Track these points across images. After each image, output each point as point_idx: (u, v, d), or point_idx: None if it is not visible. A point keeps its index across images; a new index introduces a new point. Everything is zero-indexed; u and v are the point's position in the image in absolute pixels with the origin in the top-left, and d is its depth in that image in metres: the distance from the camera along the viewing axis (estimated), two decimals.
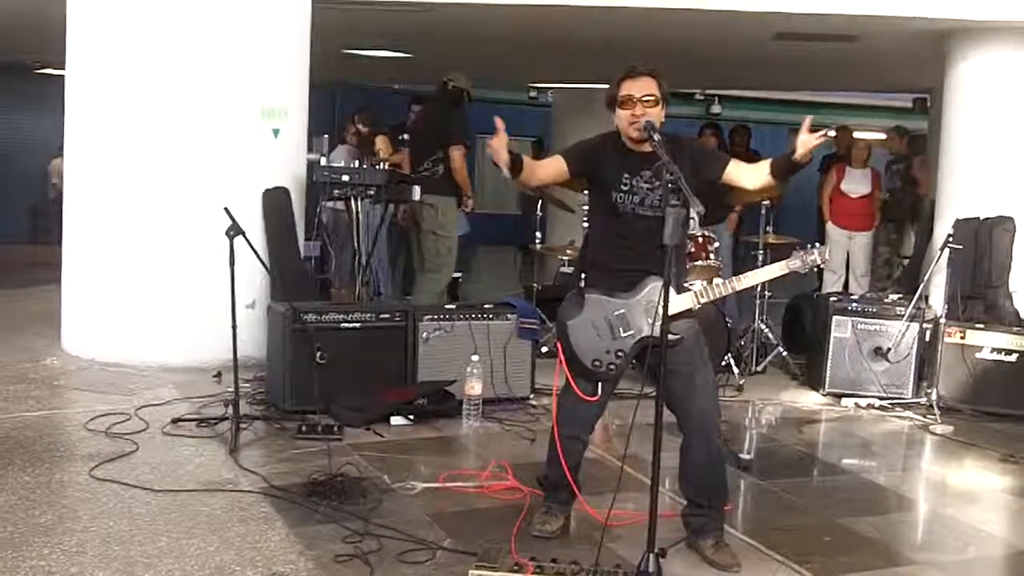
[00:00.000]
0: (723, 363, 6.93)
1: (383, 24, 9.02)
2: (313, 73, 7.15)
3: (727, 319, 7.14)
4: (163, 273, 6.63)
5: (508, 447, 5.37)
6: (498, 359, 6.06)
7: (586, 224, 4.82)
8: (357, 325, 5.81)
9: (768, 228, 7.70)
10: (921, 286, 7.00)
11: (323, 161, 7.39)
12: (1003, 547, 4.49)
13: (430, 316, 6.01)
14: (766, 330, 7.61)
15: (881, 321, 6.82)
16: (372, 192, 7.07)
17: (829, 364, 6.86)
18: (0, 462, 4.65)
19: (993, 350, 6.65)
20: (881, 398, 6.73)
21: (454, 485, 4.65)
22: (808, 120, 3.88)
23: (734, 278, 4.04)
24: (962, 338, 6.68)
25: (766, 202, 7.57)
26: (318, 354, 5.43)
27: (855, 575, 3.93)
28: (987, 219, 7.43)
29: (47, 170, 13.72)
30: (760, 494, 4.94)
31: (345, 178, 6.97)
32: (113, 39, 6.73)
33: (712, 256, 7.00)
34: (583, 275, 4.07)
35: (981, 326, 6.78)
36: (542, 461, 4.29)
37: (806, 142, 3.80)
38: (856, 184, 9.59)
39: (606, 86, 4.01)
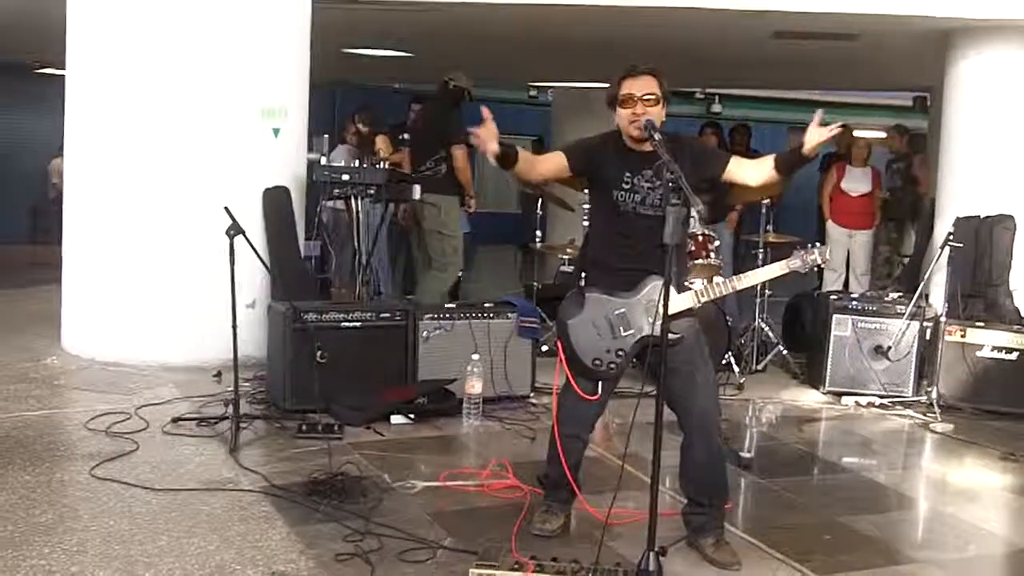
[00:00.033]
0: (723, 361, 6.93)
1: (383, 23, 9.02)
2: (313, 73, 7.16)
3: (727, 317, 7.14)
4: (163, 272, 6.63)
5: (508, 446, 5.37)
6: (498, 358, 6.06)
7: (586, 223, 4.83)
8: (357, 324, 5.81)
9: (768, 227, 7.70)
10: (921, 284, 7.00)
11: (323, 160, 7.40)
12: (1003, 545, 4.49)
13: (430, 315, 6.01)
14: (766, 329, 7.61)
15: (881, 319, 6.83)
16: (372, 191, 7.07)
17: (829, 362, 6.87)
18: (0, 461, 4.65)
19: (993, 348, 6.66)
20: (881, 396, 6.73)
21: (454, 484, 4.66)
22: (819, 114, 3.86)
23: (734, 277, 4.04)
24: (962, 336, 6.68)
25: (766, 201, 7.57)
26: (318, 353, 5.43)
27: (855, 573, 3.93)
28: (987, 217, 7.43)
29: (47, 170, 13.72)
30: (760, 492, 4.94)
31: (345, 177, 6.97)
32: (113, 39, 6.73)
33: (713, 255, 7.00)
34: (583, 274, 4.06)
35: (981, 324, 6.78)
36: (542, 460, 4.29)
37: (818, 135, 3.79)
38: (856, 183, 9.59)
39: (606, 85, 4.01)
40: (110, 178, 6.76)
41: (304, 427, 5.29)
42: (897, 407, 6.64)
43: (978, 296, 7.35)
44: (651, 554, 3.41)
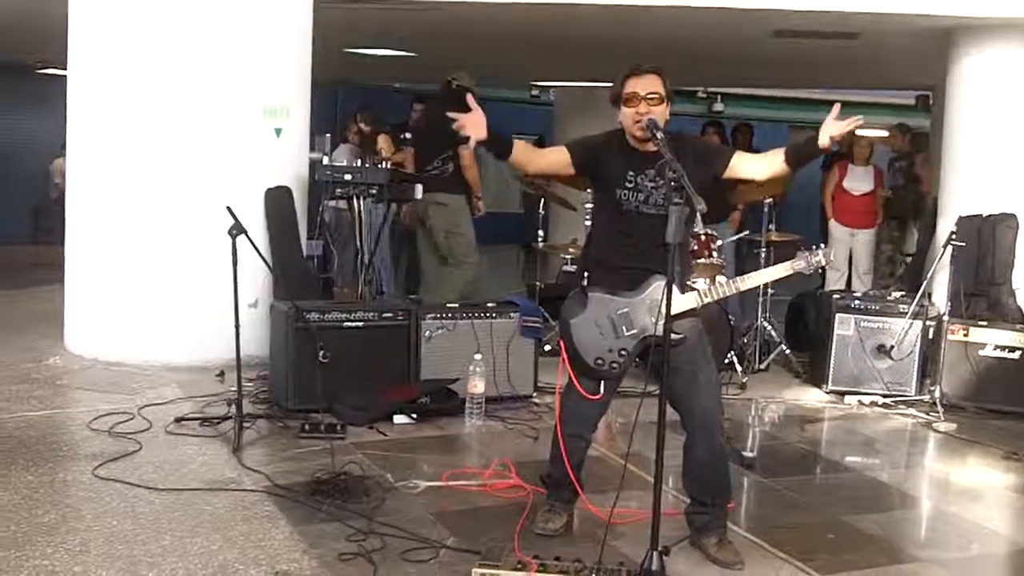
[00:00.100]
0: (726, 361, 6.93)
1: (385, 23, 9.02)
2: (315, 72, 7.15)
3: (730, 317, 7.14)
4: (166, 272, 6.63)
5: (511, 445, 5.37)
6: (501, 357, 6.06)
7: (588, 222, 4.82)
8: (360, 324, 5.81)
9: (771, 226, 7.69)
10: (924, 283, 7.00)
11: (325, 160, 7.40)
12: (1006, 544, 4.49)
13: (432, 315, 6.01)
14: (769, 328, 7.61)
15: (884, 318, 6.82)
16: (374, 191, 7.07)
17: (832, 362, 6.86)
18: (3, 461, 4.66)
19: (996, 347, 6.65)
20: (884, 395, 6.73)
21: (457, 483, 4.65)
22: (837, 107, 3.85)
23: (738, 278, 4.04)
24: (965, 335, 6.67)
25: (769, 200, 7.57)
26: (321, 353, 5.43)
27: (858, 572, 3.93)
28: (990, 216, 7.42)
29: (49, 170, 13.73)
30: (763, 492, 4.94)
31: (347, 177, 6.97)
32: (115, 39, 6.73)
33: (715, 254, 7.00)
34: (586, 273, 4.05)
35: (984, 323, 6.78)
36: (545, 459, 4.29)
37: (835, 128, 3.77)
38: (858, 181, 9.59)
39: (608, 84, 4.01)
40: (112, 178, 6.76)
41: (307, 427, 5.29)
42: (900, 406, 6.63)
43: (981, 295, 7.34)
44: (654, 553, 3.41)
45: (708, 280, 6.51)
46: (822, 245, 4.00)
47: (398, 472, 4.75)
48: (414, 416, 5.67)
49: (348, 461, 4.76)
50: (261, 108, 6.76)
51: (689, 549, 3.96)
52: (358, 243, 7.69)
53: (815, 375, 7.14)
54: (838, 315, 6.86)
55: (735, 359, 7.04)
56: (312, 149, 7.37)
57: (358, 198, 7.30)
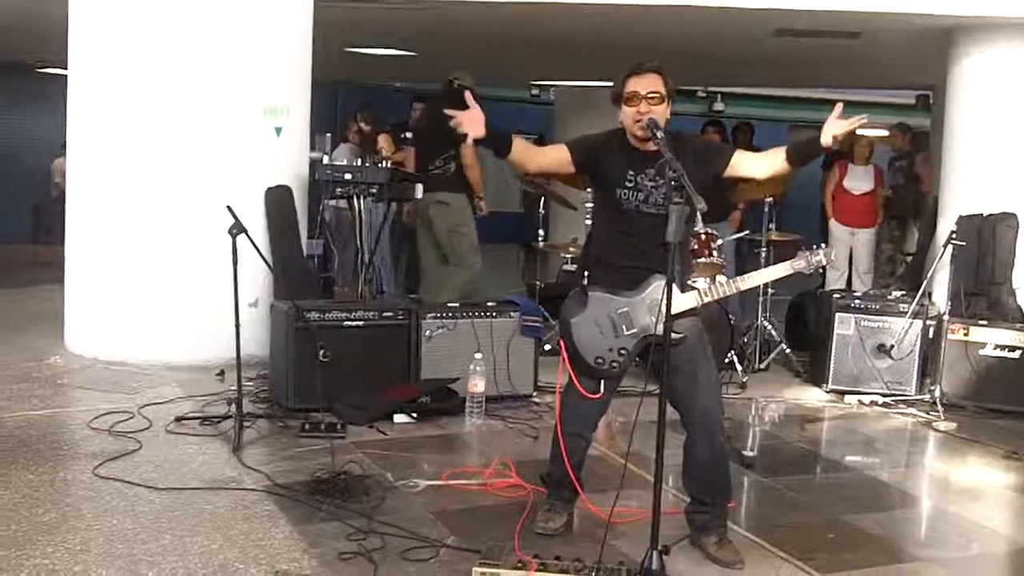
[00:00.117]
0: (726, 360, 6.92)
1: (385, 22, 9.02)
2: (315, 71, 7.15)
3: (730, 316, 7.13)
4: (166, 271, 6.63)
5: (511, 445, 5.37)
6: (501, 357, 6.06)
7: (589, 221, 4.82)
8: (360, 323, 5.81)
9: (771, 225, 7.69)
10: (924, 283, 7.00)
11: (325, 159, 7.40)
12: (1007, 543, 4.49)
13: (433, 314, 6.01)
14: (769, 327, 7.61)
15: (884, 318, 6.82)
16: (374, 190, 7.07)
17: (832, 361, 6.86)
18: (4, 460, 4.66)
19: (996, 347, 6.65)
20: (884, 395, 6.73)
21: (457, 483, 4.66)
22: (839, 106, 3.85)
23: (738, 278, 4.04)
24: (965, 335, 6.67)
25: (769, 199, 7.57)
26: (321, 352, 5.43)
27: (858, 572, 3.93)
28: (990, 215, 7.42)
29: (49, 169, 13.73)
30: (763, 491, 4.94)
31: (347, 176, 6.97)
32: (115, 38, 6.73)
33: (715, 253, 7.00)
34: (586, 273, 4.05)
35: (984, 323, 6.77)
36: (545, 459, 4.29)
37: (838, 127, 3.77)
38: (859, 181, 9.59)
39: (608, 84, 4.00)
40: (112, 177, 6.76)
41: (307, 426, 5.29)
42: (900, 405, 6.63)
43: (981, 294, 7.34)
44: (654, 553, 3.41)
45: (708, 279, 6.51)
46: (823, 245, 4.00)
47: (398, 471, 4.75)
48: (414, 415, 5.67)
49: (348, 460, 4.76)
50: (261, 107, 6.76)
51: (689, 548, 3.96)
52: (358, 242, 7.69)
53: (815, 374, 7.14)
54: (838, 314, 6.86)
55: (735, 358, 7.04)
56: (312, 148, 7.37)
57: (358, 197, 7.29)
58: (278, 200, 6.86)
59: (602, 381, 3.96)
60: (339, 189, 7.02)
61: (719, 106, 17.87)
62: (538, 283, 8.58)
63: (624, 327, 3.88)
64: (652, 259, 3.78)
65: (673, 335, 3.60)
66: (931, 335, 6.88)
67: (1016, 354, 6.62)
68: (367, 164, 7.20)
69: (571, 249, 8.58)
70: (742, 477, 4.97)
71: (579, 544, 3.94)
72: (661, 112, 3.84)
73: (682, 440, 4.00)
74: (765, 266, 6.49)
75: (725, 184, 4.18)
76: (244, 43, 6.70)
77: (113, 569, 3.56)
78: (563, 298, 4.06)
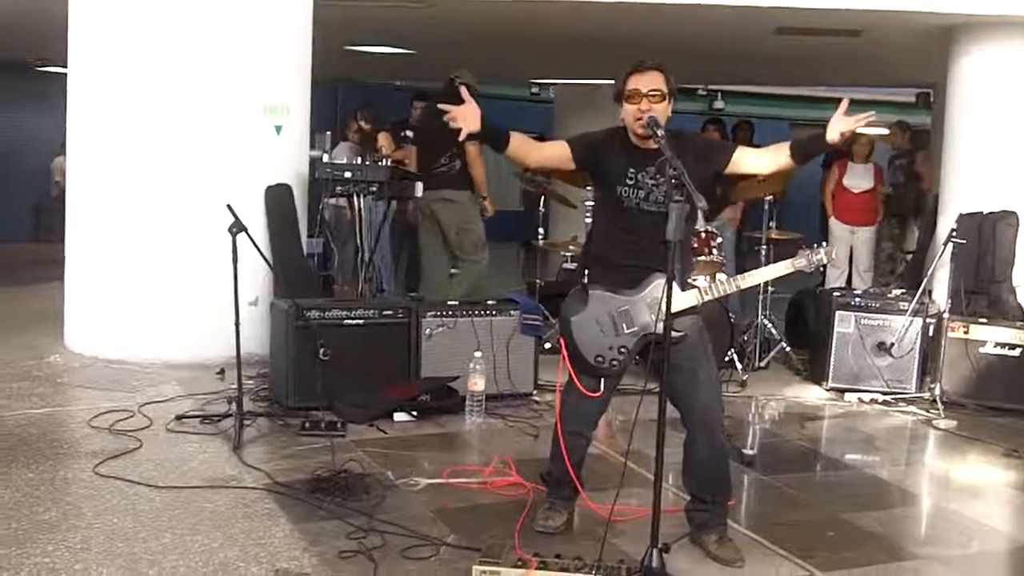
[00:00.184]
0: (726, 358, 6.93)
1: (385, 20, 9.01)
2: (315, 70, 7.15)
3: (730, 314, 7.13)
4: (166, 270, 6.63)
5: (511, 443, 5.37)
6: (501, 355, 6.06)
7: (589, 220, 4.82)
8: (360, 322, 5.81)
9: (771, 223, 7.69)
10: (924, 281, 7.00)
11: (325, 158, 7.39)
12: (1007, 542, 4.49)
13: (433, 312, 6.01)
14: (769, 325, 7.61)
15: (884, 316, 6.82)
16: (374, 189, 7.06)
17: (832, 359, 6.86)
18: (4, 459, 4.66)
19: (997, 345, 6.65)
20: (884, 393, 6.73)
21: (457, 481, 4.66)
22: (845, 102, 3.84)
23: (738, 276, 4.03)
24: (965, 333, 6.67)
25: (769, 197, 7.57)
26: (321, 351, 5.43)
27: (859, 570, 3.93)
28: (990, 214, 7.42)
29: (50, 168, 13.73)
30: (763, 489, 4.94)
31: (347, 175, 6.96)
32: (115, 37, 6.73)
33: (715, 252, 7.00)
34: (587, 271, 4.05)
35: (984, 321, 6.78)
36: (545, 457, 4.29)
37: (843, 124, 3.77)
38: (858, 179, 9.59)
39: (608, 82, 4.00)
40: (112, 176, 6.76)
41: (307, 424, 5.29)
42: (900, 404, 6.63)
43: (981, 292, 7.33)
44: (654, 551, 3.41)
45: (708, 278, 6.52)
46: (824, 243, 3.99)
47: (398, 470, 4.75)
48: (414, 414, 5.67)
49: (348, 459, 4.76)
50: (261, 106, 6.76)
51: (689, 546, 3.96)
52: (358, 241, 7.69)
53: (815, 372, 7.14)
54: (838, 312, 6.86)
55: (735, 357, 7.04)
56: (312, 147, 7.37)
57: (358, 196, 7.29)
58: (278, 198, 6.86)
59: (602, 379, 3.96)
60: (339, 187, 7.02)
61: (719, 104, 17.85)
62: (538, 281, 8.58)
63: (624, 325, 3.88)
64: (652, 257, 3.77)
65: (673, 333, 3.60)
66: (931, 333, 6.88)
67: (1016, 352, 6.62)
68: (367, 162, 7.19)
69: (571, 247, 8.58)
70: (742, 475, 4.97)
71: (579, 542, 3.94)
72: (662, 110, 3.84)
73: (682, 438, 3.99)
74: (765, 264, 6.50)
75: (726, 181, 4.19)
76: (244, 42, 6.70)
77: (114, 568, 3.56)
78: (563, 296, 4.06)
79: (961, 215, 7.31)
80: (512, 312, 6.16)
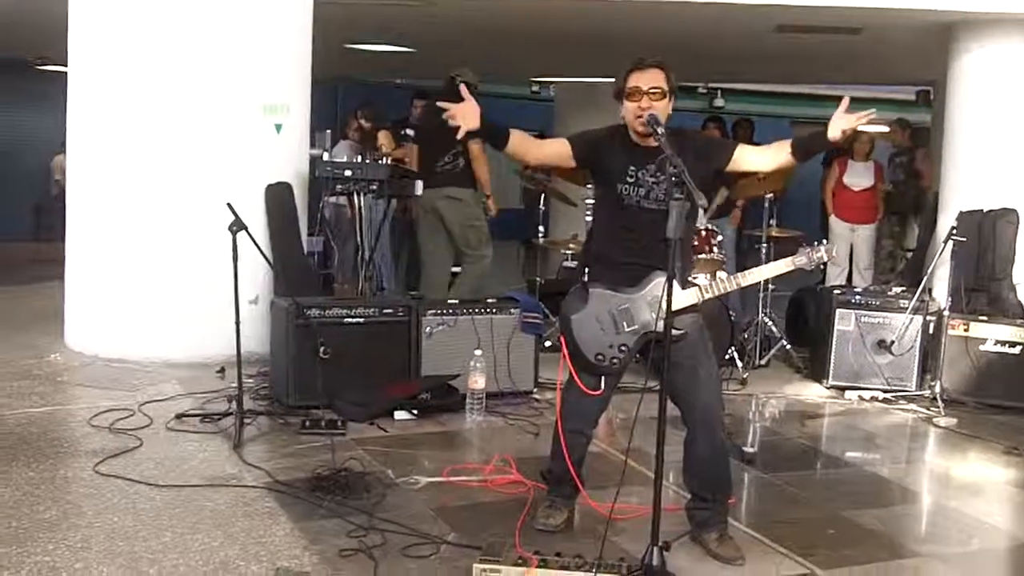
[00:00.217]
0: (727, 356, 6.92)
1: (385, 19, 9.01)
2: (315, 68, 7.15)
3: (730, 312, 7.14)
4: (166, 269, 6.63)
5: (512, 441, 5.37)
6: (501, 353, 6.06)
7: (589, 218, 4.82)
8: (360, 320, 5.81)
9: (772, 221, 7.69)
10: (925, 279, 7.00)
11: (325, 156, 7.39)
12: (1007, 539, 4.49)
13: (433, 311, 6.01)
14: (770, 323, 7.61)
15: (885, 314, 6.82)
16: (374, 187, 7.06)
17: (833, 357, 6.86)
18: (4, 458, 4.66)
19: (997, 342, 6.65)
20: (885, 391, 6.73)
21: (458, 479, 4.66)
22: (846, 100, 3.84)
23: (739, 274, 4.03)
24: (966, 330, 6.67)
25: (769, 195, 7.57)
26: (321, 349, 5.43)
27: (859, 568, 3.93)
28: (991, 211, 7.42)
29: (50, 167, 13.73)
30: (764, 487, 4.94)
31: (348, 173, 6.96)
32: (115, 35, 6.73)
33: (716, 249, 7.00)
34: (587, 269, 4.05)
35: (985, 318, 6.78)
36: (546, 455, 4.29)
37: (845, 122, 3.77)
38: (859, 177, 9.59)
39: (608, 80, 4.00)
40: (113, 175, 6.76)
41: (307, 423, 5.29)
42: (900, 401, 6.63)
43: (981, 290, 7.33)
44: (655, 549, 3.41)
45: (709, 276, 6.51)
46: (824, 241, 3.99)
47: (399, 468, 4.75)
48: (415, 412, 5.67)
49: (349, 457, 4.76)
50: (261, 104, 6.76)
51: (690, 544, 3.96)
52: (358, 239, 7.69)
53: (815, 370, 7.14)
54: (839, 310, 6.85)
55: (736, 355, 7.04)
56: (312, 145, 7.36)
57: (358, 194, 7.29)
58: (278, 197, 6.86)
59: (603, 377, 3.96)
60: (339, 186, 7.01)
61: (719, 102, 17.87)
62: (538, 279, 8.58)
63: (625, 323, 3.88)
64: (653, 255, 3.77)
65: (674, 331, 3.60)
66: (931, 331, 6.88)
67: (1016, 350, 6.62)
68: (367, 161, 7.19)
69: (571, 245, 8.58)
70: (742, 473, 4.97)
71: (580, 540, 3.94)
72: (663, 107, 3.83)
73: (683, 436, 3.99)
74: (766, 262, 6.50)
75: (727, 179, 4.19)
76: (244, 40, 6.70)
77: (114, 566, 3.56)
78: (563, 294, 4.06)
79: (961, 213, 7.31)
80: (512, 310, 6.15)
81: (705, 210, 4.95)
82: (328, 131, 7.95)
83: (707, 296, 3.90)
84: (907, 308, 6.76)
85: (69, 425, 5.33)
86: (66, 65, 7.09)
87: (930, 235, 8.29)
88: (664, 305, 3.49)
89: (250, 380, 5.91)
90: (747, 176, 7.00)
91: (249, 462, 4.74)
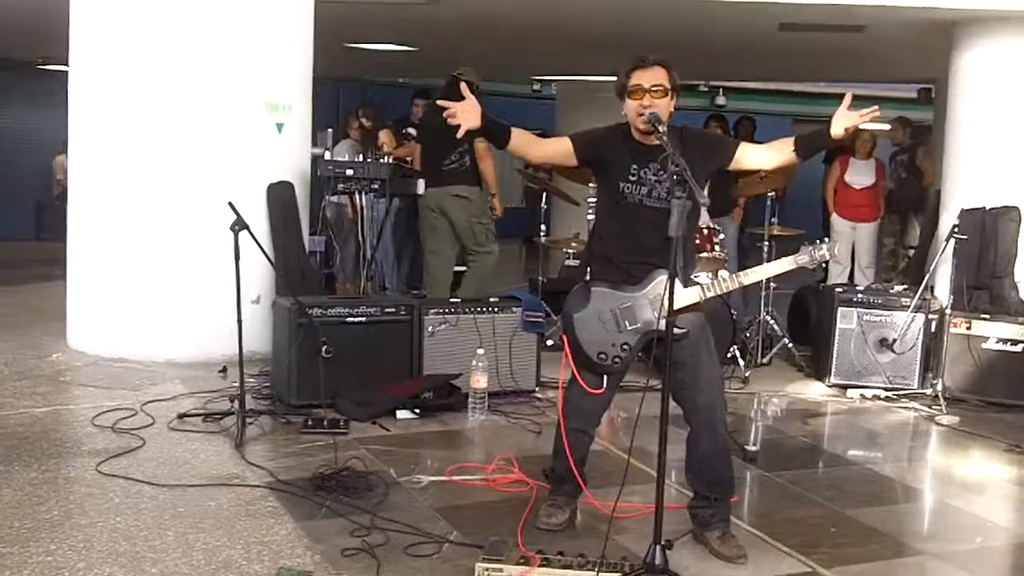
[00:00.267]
0: (729, 355, 6.92)
1: (387, 17, 9.01)
2: (316, 67, 7.15)
3: (732, 311, 7.13)
4: (168, 268, 6.64)
5: (514, 440, 5.37)
6: (503, 352, 6.06)
7: (591, 217, 4.81)
8: (362, 319, 5.81)
9: (773, 220, 7.68)
10: (926, 277, 6.99)
11: (327, 155, 7.39)
12: (1009, 537, 4.48)
13: (435, 310, 6.01)
14: (772, 322, 7.61)
15: (886, 312, 6.82)
16: (376, 186, 7.07)
17: (835, 355, 6.86)
18: (7, 458, 4.67)
19: (999, 340, 6.65)
20: (887, 389, 6.73)
21: (460, 478, 4.66)
22: (848, 97, 3.84)
23: (741, 273, 4.03)
24: (968, 328, 6.67)
25: (771, 194, 7.56)
26: (323, 348, 5.43)
27: (861, 566, 3.93)
28: (992, 209, 7.42)
29: (51, 166, 13.75)
30: (766, 486, 4.94)
31: (349, 172, 6.97)
32: (116, 35, 6.73)
33: (717, 248, 6.99)
34: (589, 267, 4.05)
35: (987, 316, 6.77)
36: (548, 454, 4.29)
37: (848, 119, 3.77)
38: (860, 175, 9.58)
39: (611, 79, 4.00)
40: (114, 174, 6.76)
41: (310, 422, 5.29)
42: (902, 400, 6.63)
43: (983, 288, 7.33)
44: (657, 547, 3.41)
45: (711, 274, 6.50)
46: (826, 239, 3.99)
47: (401, 467, 4.76)
48: (417, 411, 5.67)
49: (351, 456, 4.76)
50: (263, 104, 6.76)
51: (692, 543, 3.96)
52: (360, 238, 7.69)
53: (817, 369, 7.14)
54: (840, 309, 6.85)
55: (737, 353, 7.04)
56: (314, 144, 7.37)
57: (360, 193, 7.29)
58: (280, 196, 6.86)
59: (605, 376, 3.96)
60: (340, 185, 7.02)
61: (721, 100, 17.87)
62: (540, 278, 8.57)
63: (627, 322, 3.88)
64: (655, 253, 3.78)
65: (676, 330, 3.59)
66: (933, 329, 6.88)
67: (1018, 348, 6.62)
68: (368, 160, 7.19)
69: (573, 244, 8.58)
70: (745, 472, 4.97)
71: (582, 539, 3.94)
72: (665, 105, 3.83)
73: (685, 435, 3.99)
74: (767, 261, 6.50)
75: (729, 177, 4.19)
76: (245, 39, 6.70)
77: (116, 566, 3.57)
78: (565, 293, 4.06)
79: (963, 211, 7.30)
80: (514, 309, 6.16)
81: (708, 208, 4.96)
82: (329, 130, 7.95)
83: (709, 295, 3.90)
84: (909, 306, 6.76)
85: (71, 425, 5.34)
86: (67, 64, 7.09)
87: (931, 233, 8.29)
88: (666, 304, 3.49)
89: (252, 380, 5.92)
90: (749, 174, 7.00)
91: (251, 462, 4.74)
